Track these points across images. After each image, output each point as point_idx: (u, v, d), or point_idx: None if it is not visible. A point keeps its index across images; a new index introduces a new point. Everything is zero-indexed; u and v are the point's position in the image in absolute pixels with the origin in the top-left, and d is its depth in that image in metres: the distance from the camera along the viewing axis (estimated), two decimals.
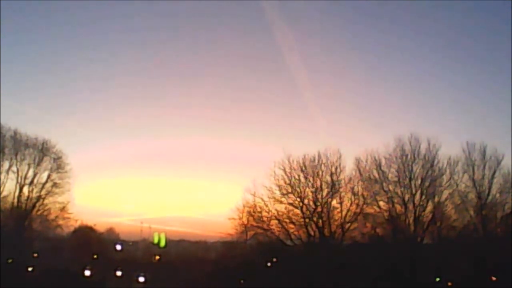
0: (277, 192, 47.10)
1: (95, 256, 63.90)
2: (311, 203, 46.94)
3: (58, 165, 53.93)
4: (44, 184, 53.11)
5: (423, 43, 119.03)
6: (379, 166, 47.07)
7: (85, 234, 67.80)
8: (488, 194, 46.52)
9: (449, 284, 45.21)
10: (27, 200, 52.46)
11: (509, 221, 46.68)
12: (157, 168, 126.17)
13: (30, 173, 52.62)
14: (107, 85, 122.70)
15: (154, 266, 70.95)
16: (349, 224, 47.05)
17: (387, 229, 47.53)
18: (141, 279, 62.47)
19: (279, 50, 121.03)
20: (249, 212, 48.03)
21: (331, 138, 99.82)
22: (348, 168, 47.77)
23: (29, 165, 52.57)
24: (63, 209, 53.94)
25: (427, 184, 45.93)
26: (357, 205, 46.75)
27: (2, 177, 51.65)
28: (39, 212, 53.77)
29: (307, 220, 47.08)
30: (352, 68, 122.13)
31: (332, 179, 46.96)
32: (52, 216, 54.14)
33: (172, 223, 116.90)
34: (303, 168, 47.21)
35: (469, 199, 46.92)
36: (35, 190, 52.81)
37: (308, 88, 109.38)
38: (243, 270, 52.09)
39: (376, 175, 46.99)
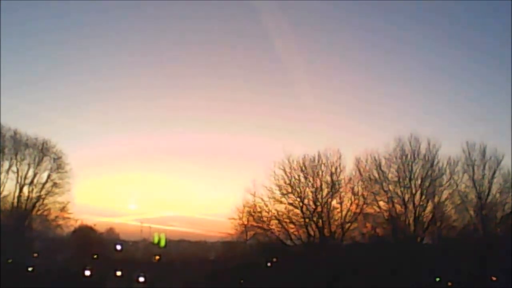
0: (277, 192, 47.27)
1: (95, 256, 63.91)
2: (311, 203, 47.00)
3: (58, 165, 53.92)
4: (44, 184, 53.07)
5: (423, 43, 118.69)
6: (379, 166, 47.12)
7: (85, 234, 67.76)
8: (488, 194, 46.52)
9: (449, 284, 45.24)
10: (27, 200, 52.41)
11: (509, 221, 46.67)
12: (157, 168, 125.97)
13: (30, 173, 52.60)
14: (108, 84, 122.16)
15: (154, 266, 71.00)
16: (349, 224, 47.10)
17: (387, 229, 47.54)
18: (141, 279, 62.55)
19: (278, 49, 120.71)
20: (249, 212, 48.16)
21: (331, 138, 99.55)
22: (348, 168, 47.93)
23: (29, 165, 52.55)
24: (63, 209, 53.90)
25: (427, 184, 45.96)
26: (357, 205, 46.80)
27: (2, 177, 51.65)
28: (39, 212, 53.72)
29: (307, 220, 47.12)
30: (352, 68, 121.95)
31: (332, 179, 47.02)
32: (52, 216, 54.08)
33: (172, 223, 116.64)
34: (303, 168, 47.29)
35: (469, 199, 46.94)
36: (35, 190, 52.78)
37: (308, 88, 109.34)
38: (243, 270, 52.11)
39: (376, 175, 47.05)
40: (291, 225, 47.75)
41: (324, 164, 47.37)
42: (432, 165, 46.42)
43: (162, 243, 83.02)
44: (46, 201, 53.45)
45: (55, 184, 53.46)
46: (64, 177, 53.95)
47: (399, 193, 46.31)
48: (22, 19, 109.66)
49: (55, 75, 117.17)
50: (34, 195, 52.67)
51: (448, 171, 46.64)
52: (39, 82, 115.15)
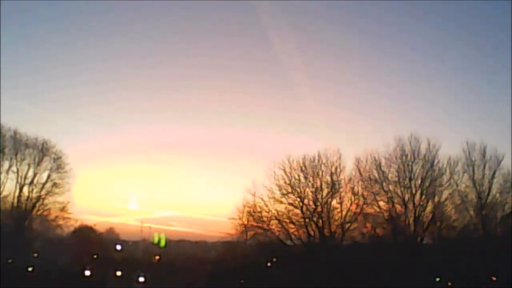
0: (277, 192, 47.32)
1: (95, 256, 63.89)
2: (311, 203, 47.01)
3: (58, 165, 54.05)
4: (44, 184, 53.20)
5: (423, 43, 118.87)
6: (379, 166, 47.15)
7: (85, 234, 67.75)
8: (488, 194, 46.57)
9: (449, 284, 45.21)
10: (27, 200, 52.51)
11: (509, 221, 46.69)
12: (157, 168, 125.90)
13: (30, 173, 52.79)
14: (108, 84, 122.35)
15: (154, 266, 70.96)
16: (349, 224, 47.12)
17: (387, 229, 47.55)
18: (141, 279, 62.49)
19: (278, 49, 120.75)
20: (249, 212, 48.14)
21: (331, 138, 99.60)
22: (348, 168, 47.98)
23: (29, 165, 52.69)
24: (63, 209, 54.05)
25: (427, 184, 45.98)
26: (357, 205, 46.82)
27: (2, 177, 51.81)
28: (39, 212, 53.84)
29: (307, 220, 47.13)
30: (352, 68, 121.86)
31: (332, 179, 47.04)
32: (52, 216, 54.26)
33: (172, 223, 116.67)
34: (303, 168, 47.32)
35: (469, 199, 46.97)
36: (35, 190, 52.92)
37: (308, 88, 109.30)
38: (243, 270, 52.10)
39: (376, 175, 47.08)
40: (291, 225, 47.78)
41: (324, 164, 47.43)
42: (432, 165, 46.45)
43: (162, 243, 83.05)
44: (46, 201, 53.66)
45: (55, 184, 53.60)
46: (64, 177, 54.16)
47: (399, 193, 46.34)
48: (22, 19, 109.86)
49: (55, 75, 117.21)
50: (34, 195, 52.81)
51: (448, 171, 46.75)
52: (39, 82, 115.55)
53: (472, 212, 46.86)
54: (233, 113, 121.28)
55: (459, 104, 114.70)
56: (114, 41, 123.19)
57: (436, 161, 46.63)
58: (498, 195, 46.83)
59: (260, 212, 47.68)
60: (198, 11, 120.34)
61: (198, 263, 66.30)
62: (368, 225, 47.86)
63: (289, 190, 47.04)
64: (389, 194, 46.55)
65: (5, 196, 51.81)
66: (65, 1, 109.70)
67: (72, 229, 59.28)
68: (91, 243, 67.12)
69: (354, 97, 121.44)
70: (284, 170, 47.17)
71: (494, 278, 43.29)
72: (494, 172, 46.79)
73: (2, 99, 74.61)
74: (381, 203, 46.92)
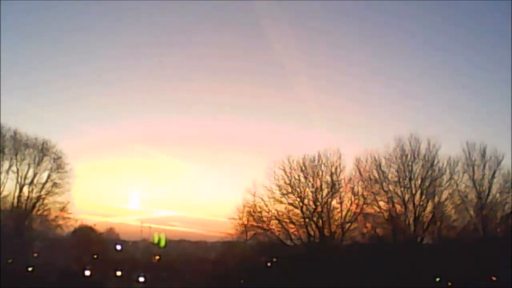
0: (277, 192, 47.32)
1: (95, 256, 63.89)
2: (311, 203, 47.03)
3: (58, 165, 53.98)
4: (44, 184, 53.13)
5: (423, 43, 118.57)
6: (379, 166, 47.18)
7: (85, 234, 67.69)
8: (488, 194, 46.57)
9: (449, 284, 45.22)
10: (27, 200, 52.46)
11: (509, 221, 46.72)
12: (157, 168, 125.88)
13: (30, 173, 52.67)
14: (108, 84, 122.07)
15: (154, 266, 71.00)
16: (349, 224, 47.14)
17: (387, 229, 47.58)
18: (141, 279, 62.55)
19: (278, 49, 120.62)
20: (249, 212, 48.13)
21: (331, 138, 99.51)
22: (348, 168, 48.00)
23: (29, 165, 52.61)
24: (63, 209, 53.97)
25: (427, 184, 46.00)
26: (357, 205, 46.84)
27: (2, 177, 51.72)
28: (39, 212, 53.77)
29: (307, 220, 47.15)
30: (352, 67, 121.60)
31: (332, 179, 47.06)
32: (52, 216, 54.16)
33: (172, 223, 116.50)
34: (303, 168, 47.34)
35: (469, 199, 46.98)
36: (35, 190, 52.83)
37: (307, 88, 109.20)
38: (243, 270, 52.11)
39: (376, 175, 47.10)
40: (291, 225, 47.78)
41: (324, 164, 47.46)
42: (432, 165, 46.47)
43: (162, 243, 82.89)
44: (46, 201, 53.54)
45: (55, 184, 53.53)
46: (64, 177, 54.07)
47: (399, 193, 46.37)
48: (22, 19, 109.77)
49: (55, 75, 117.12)
50: (34, 195, 52.74)
51: (448, 171, 46.77)
52: (39, 82, 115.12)
53: (472, 212, 46.87)
54: (233, 114, 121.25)
55: (459, 104, 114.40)
56: (113, 39, 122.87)
57: (436, 161, 46.70)
58: (498, 195, 46.85)
59: (260, 212, 47.71)
60: (196, 7, 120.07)
61: (198, 263, 66.26)
62: (368, 225, 47.90)
63: (289, 190, 47.08)
64: (389, 194, 46.59)
65: (5, 196, 51.77)
66: (65, 1, 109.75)
67: (72, 229, 59.15)
68: (91, 243, 67.02)
69: (354, 97, 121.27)
70: (284, 170, 47.23)
71: (494, 278, 43.31)
72: (494, 172, 46.84)
73: (2, 99, 74.56)
74: (381, 203, 47.00)
